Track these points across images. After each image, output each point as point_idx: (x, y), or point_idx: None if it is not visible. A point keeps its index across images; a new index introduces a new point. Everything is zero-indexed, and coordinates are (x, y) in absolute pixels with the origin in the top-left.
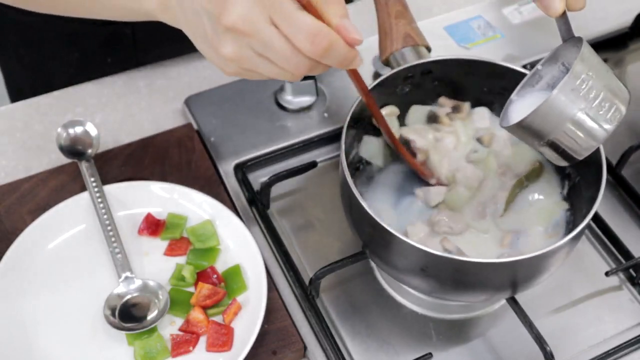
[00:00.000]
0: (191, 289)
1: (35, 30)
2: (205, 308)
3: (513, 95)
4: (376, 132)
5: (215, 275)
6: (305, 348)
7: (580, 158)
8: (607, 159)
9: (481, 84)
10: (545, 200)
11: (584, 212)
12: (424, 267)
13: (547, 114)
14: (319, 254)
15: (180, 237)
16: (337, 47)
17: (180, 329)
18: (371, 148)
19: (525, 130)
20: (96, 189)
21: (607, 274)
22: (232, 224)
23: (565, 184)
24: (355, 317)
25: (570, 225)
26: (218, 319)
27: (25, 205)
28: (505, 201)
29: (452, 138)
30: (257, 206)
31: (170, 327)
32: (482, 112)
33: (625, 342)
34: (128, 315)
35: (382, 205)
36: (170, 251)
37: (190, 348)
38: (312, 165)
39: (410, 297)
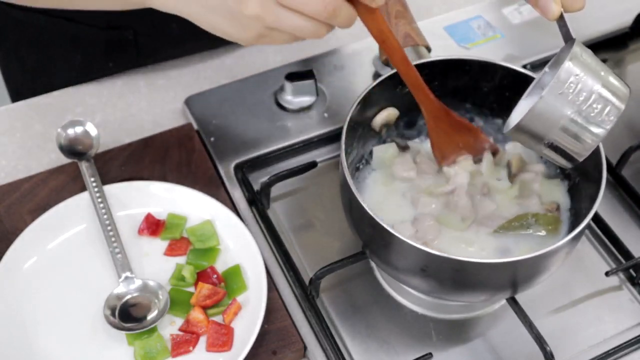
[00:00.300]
0: (191, 289)
1: (38, 31)
2: (205, 308)
3: (521, 100)
4: (376, 134)
5: (215, 275)
6: (305, 348)
7: (581, 159)
8: (607, 159)
9: (481, 84)
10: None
11: (584, 212)
12: (424, 267)
13: (538, 118)
14: (319, 254)
15: (180, 237)
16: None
17: (180, 329)
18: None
19: (523, 134)
20: (96, 189)
21: (607, 274)
22: (232, 224)
23: (566, 184)
24: (355, 317)
25: (571, 225)
26: (218, 319)
27: (25, 205)
28: (501, 226)
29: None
30: (257, 206)
31: (170, 327)
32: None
33: (625, 342)
34: (128, 315)
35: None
36: (170, 251)
37: (190, 348)
38: (312, 165)
39: (410, 297)
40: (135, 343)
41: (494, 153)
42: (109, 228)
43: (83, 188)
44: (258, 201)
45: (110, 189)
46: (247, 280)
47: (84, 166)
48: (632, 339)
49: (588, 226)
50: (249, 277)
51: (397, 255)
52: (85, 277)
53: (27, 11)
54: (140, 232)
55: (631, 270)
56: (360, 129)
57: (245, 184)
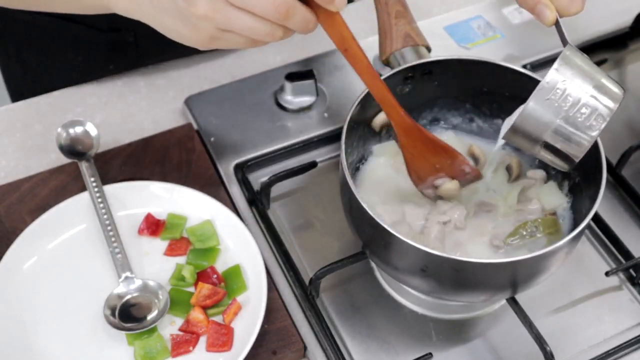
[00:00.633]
0: (191, 289)
1: (39, 32)
2: (205, 308)
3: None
4: (376, 134)
5: (215, 275)
6: (305, 348)
7: (577, 160)
8: (607, 159)
9: (481, 84)
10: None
11: (584, 212)
12: (424, 267)
13: (528, 122)
14: (319, 254)
15: (180, 237)
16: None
17: (180, 329)
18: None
19: (518, 137)
20: (96, 189)
21: (607, 274)
22: (232, 224)
23: (565, 184)
24: (355, 317)
25: (571, 225)
26: (218, 319)
27: (25, 205)
28: (504, 241)
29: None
30: (257, 206)
31: (170, 327)
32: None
33: (625, 342)
34: (128, 315)
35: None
36: (170, 251)
37: (190, 348)
38: (312, 165)
39: (410, 297)
40: (135, 343)
41: (475, 178)
42: (109, 228)
43: (83, 188)
44: (258, 201)
45: (110, 189)
46: (247, 280)
47: (84, 166)
48: (632, 339)
49: (588, 226)
50: (249, 277)
51: (397, 255)
52: (85, 277)
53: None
54: (140, 232)
55: (631, 270)
56: (360, 129)
57: (245, 184)
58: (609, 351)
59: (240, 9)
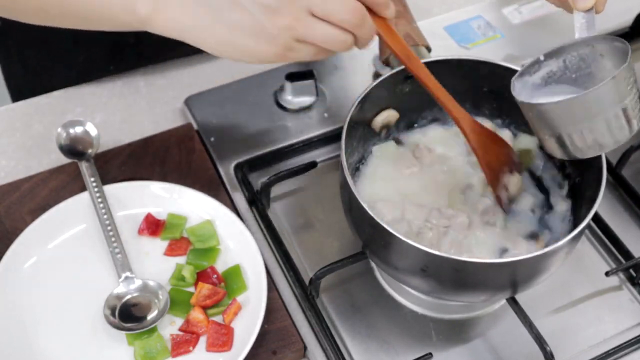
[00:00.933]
0: (191, 289)
1: (40, 31)
2: (205, 308)
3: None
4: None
5: (215, 275)
6: (305, 348)
7: (583, 157)
8: (607, 159)
9: (481, 84)
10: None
11: (584, 212)
12: (424, 267)
13: (582, 104)
14: (319, 254)
15: (180, 237)
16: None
17: (180, 329)
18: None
19: (539, 116)
20: (96, 189)
21: (607, 274)
22: (232, 224)
23: (566, 184)
24: (355, 317)
25: (571, 225)
26: (218, 319)
27: (25, 205)
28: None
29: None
30: (257, 206)
31: (170, 327)
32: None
33: (625, 342)
34: (128, 315)
35: None
36: (170, 251)
37: (190, 348)
38: (312, 165)
39: (410, 297)
40: (135, 343)
41: (522, 167)
42: (109, 228)
43: (83, 188)
44: (258, 201)
45: (110, 189)
46: (247, 280)
47: (84, 166)
48: (632, 339)
49: (588, 226)
50: (249, 277)
51: (397, 255)
52: (85, 277)
53: None
54: (140, 232)
55: (631, 270)
56: (360, 129)
57: (245, 184)
58: (609, 351)
59: (320, 19)
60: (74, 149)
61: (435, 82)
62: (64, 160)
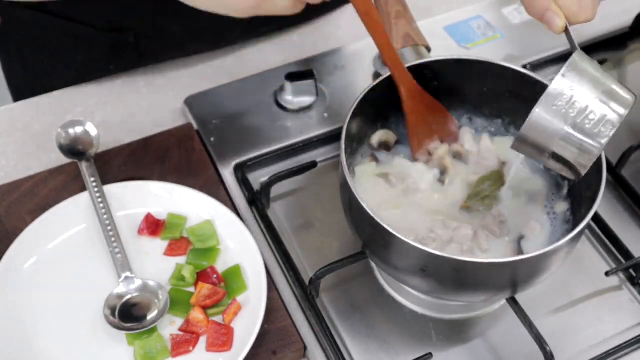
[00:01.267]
0: (191, 289)
1: (40, 31)
2: (205, 308)
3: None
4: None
5: (215, 275)
6: (305, 348)
7: (585, 170)
8: (607, 159)
9: (481, 84)
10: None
11: (584, 212)
12: (424, 267)
13: (535, 130)
14: (319, 254)
15: (180, 237)
16: None
17: (180, 329)
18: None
19: (526, 146)
20: (96, 189)
21: (607, 274)
22: (232, 224)
23: (565, 184)
24: (355, 317)
25: (571, 225)
26: (218, 319)
27: (25, 205)
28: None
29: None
30: (257, 206)
31: (170, 327)
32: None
33: (625, 342)
34: (128, 315)
35: None
36: (170, 251)
37: (190, 348)
38: (312, 165)
39: (410, 297)
40: (135, 343)
41: (454, 139)
42: (109, 228)
43: (83, 188)
44: (258, 201)
45: (110, 189)
46: (247, 280)
47: (84, 166)
48: (632, 339)
49: (588, 226)
50: (249, 277)
51: (397, 255)
52: (85, 277)
53: (30, 10)
54: (140, 232)
55: (631, 270)
56: (360, 129)
57: (245, 184)
58: (609, 351)
59: None
60: (74, 149)
61: (385, 42)
62: (64, 160)
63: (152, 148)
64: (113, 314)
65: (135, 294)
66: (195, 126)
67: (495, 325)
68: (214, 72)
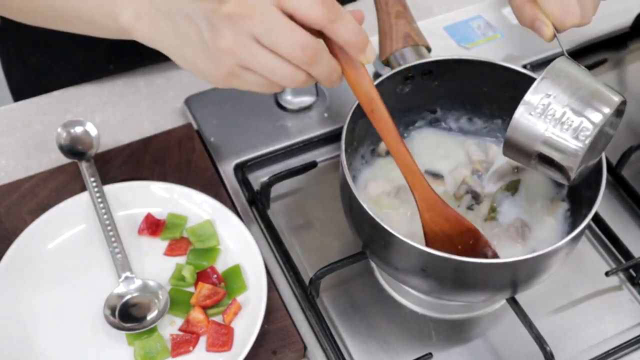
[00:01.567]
0: (191, 289)
1: (40, 31)
2: (205, 308)
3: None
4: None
5: (215, 275)
6: (305, 348)
7: (572, 171)
8: (607, 159)
9: (481, 84)
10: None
11: (584, 212)
12: (424, 267)
13: (517, 137)
14: (319, 254)
15: (180, 237)
16: (324, 57)
17: (180, 329)
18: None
19: (512, 151)
20: (96, 189)
21: (607, 274)
22: (232, 224)
23: (565, 185)
24: (355, 317)
25: (571, 225)
26: (218, 319)
27: (25, 205)
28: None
29: None
30: (257, 206)
31: (170, 327)
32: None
33: (625, 342)
34: (128, 315)
35: None
36: (170, 251)
37: (190, 348)
38: (312, 165)
39: (410, 297)
40: (135, 343)
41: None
42: (109, 228)
43: (83, 188)
44: (258, 201)
45: (110, 189)
46: (247, 280)
47: (84, 166)
48: (632, 339)
49: (588, 226)
50: (249, 277)
51: (397, 255)
52: (85, 277)
53: None
54: (140, 232)
55: (631, 270)
56: (360, 129)
57: (245, 184)
58: (609, 351)
59: (266, 48)
60: (74, 149)
61: (400, 149)
62: (64, 160)
63: (152, 148)
64: (113, 314)
65: (135, 294)
66: (195, 126)
67: (495, 325)
68: None
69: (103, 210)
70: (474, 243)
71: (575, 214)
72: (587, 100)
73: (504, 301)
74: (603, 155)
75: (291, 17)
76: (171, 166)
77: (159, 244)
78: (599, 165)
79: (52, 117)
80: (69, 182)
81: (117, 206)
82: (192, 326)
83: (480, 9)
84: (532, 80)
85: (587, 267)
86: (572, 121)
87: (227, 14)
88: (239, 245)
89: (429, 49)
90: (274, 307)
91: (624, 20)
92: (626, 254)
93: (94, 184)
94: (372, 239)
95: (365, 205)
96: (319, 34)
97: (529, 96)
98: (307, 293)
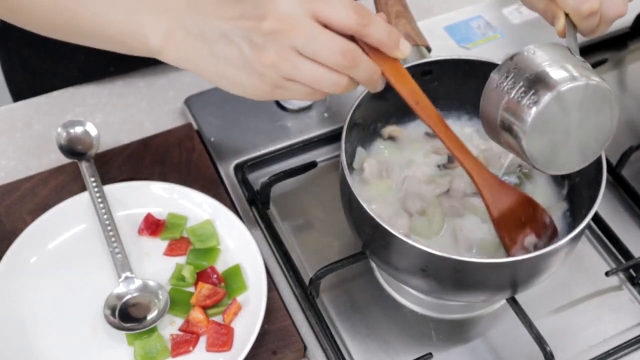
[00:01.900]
0: (191, 289)
1: None
2: (205, 308)
3: None
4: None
5: (215, 275)
6: (305, 348)
7: (524, 143)
8: (607, 159)
9: (481, 84)
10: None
11: (584, 212)
12: (424, 267)
13: (485, 108)
14: (319, 254)
15: (180, 237)
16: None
17: (180, 329)
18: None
19: (490, 130)
20: (96, 189)
21: (607, 274)
22: (232, 224)
23: (565, 184)
24: (355, 317)
25: (570, 225)
26: (218, 319)
27: (25, 205)
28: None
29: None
30: (257, 206)
31: (170, 327)
32: None
33: (625, 342)
34: (128, 315)
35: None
36: (170, 251)
37: (190, 348)
38: (312, 165)
39: (410, 297)
40: (135, 343)
41: (553, 235)
42: (109, 228)
43: (83, 188)
44: (258, 201)
45: (110, 189)
46: (247, 280)
47: (84, 166)
48: (632, 339)
49: (588, 226)
50: (249, 277)
51: (397, 255)
52: (85, 277)
53: None
54: (140, 232)
55: (631, 270)
56: (360, 129)
57: (245, 184)
58: (609, 351)
59: (307, 58)
60: (74, 149)
61: (448, 134)
62: (64, 160)
63: (152, 148)
64: (113, 314)
65: (135, 294)
66: (195, 126)
67: (495, 325)
68: None
69: (103, 210)
70: (533, 212)
71: (575, 214)
72: (549, 68)
73: (504, 301)
74: (603, 155)
75: (326, 27)
76: (171, 166)
77: (159, 244)
78: (599, 165)
79: (52, 117)
80: (69, 182)
81: (117, 206)
82: (192, 326)
83: (480, 9)
84: None
85: (587, 267)
86: (528, 91)
87: (268, 30)
88: (239, 245)
89: (429, 49)
90: (274, 307)
91: (624, 20)
92: (626, 254)
93: (94, 184)
94: (372, 238)
95: (365, 205)
96: (351, 39)
97: (497, 69)
98: (307, 293)
